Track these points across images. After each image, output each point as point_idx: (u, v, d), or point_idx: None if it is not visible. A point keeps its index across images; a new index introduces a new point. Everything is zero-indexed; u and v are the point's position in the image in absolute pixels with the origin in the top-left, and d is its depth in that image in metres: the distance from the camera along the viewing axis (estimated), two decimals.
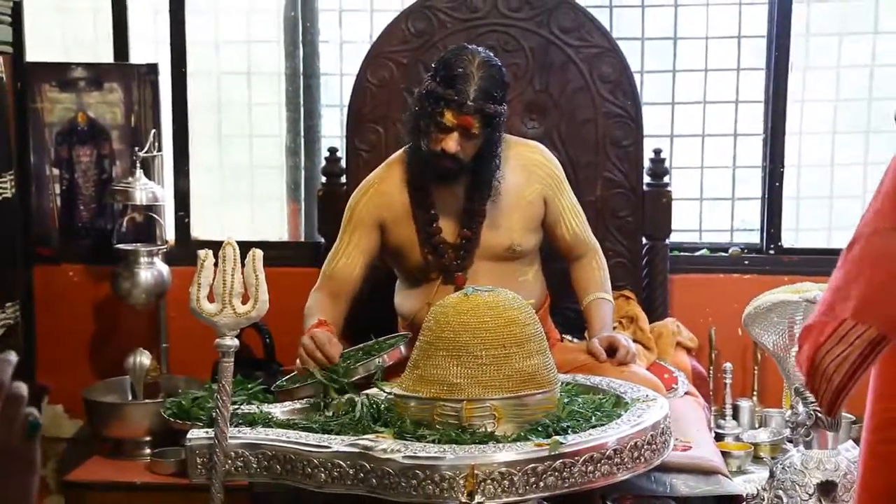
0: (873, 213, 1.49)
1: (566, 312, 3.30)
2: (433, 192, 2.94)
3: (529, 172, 3.01)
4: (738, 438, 3.44)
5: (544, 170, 3.03)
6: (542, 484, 2.11)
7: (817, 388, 1.53)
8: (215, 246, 2.33)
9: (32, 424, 0.94)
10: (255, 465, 2.31)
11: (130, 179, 3.57)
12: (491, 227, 2.95)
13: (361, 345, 2.93)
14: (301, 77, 3.97)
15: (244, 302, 2.31)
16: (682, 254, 3.79)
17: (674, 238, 3.65)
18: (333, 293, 2.98)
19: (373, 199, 3.00)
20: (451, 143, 2.80)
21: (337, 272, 2.99)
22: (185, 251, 3.75)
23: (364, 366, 2.68)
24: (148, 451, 3.35)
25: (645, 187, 3.53)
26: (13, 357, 0.95)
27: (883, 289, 1.44)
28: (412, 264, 3.00)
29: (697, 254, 3.84)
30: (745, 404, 3.58)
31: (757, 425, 3.56)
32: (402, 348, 2.73)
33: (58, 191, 3.84)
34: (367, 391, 2.60)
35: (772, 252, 3.80)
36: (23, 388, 0.94)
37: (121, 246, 3.62)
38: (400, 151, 3.05)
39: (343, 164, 3.61)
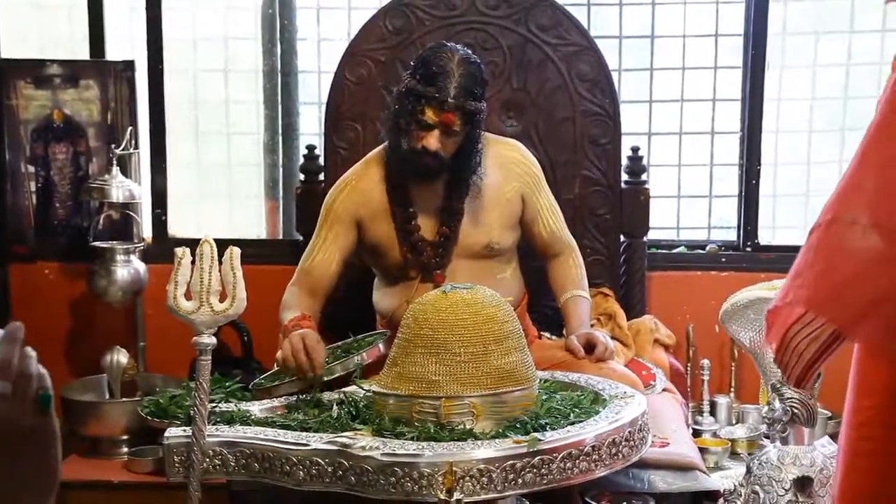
0: (834, 200, 1.49)
1: (544, 310, 3.31)
2: (412, 189, 2.94)
3: (507, 170, 3.01)
4: (715, 435, 3.46)
5: (522, 168, 3.04)
6: (520, 481, 2.12)
7: (787, 363, 1.55)
8: (193, 244, 2.32)
9: (44, 397, 0.94)
10: (233, 464, 2.30)
11: (107, 177, 3.55)
12: (470, 224, 2.95)
13: (340, 342, 2.93)
14: (279, 74, 3.96)
15: (222, 300, 2.31)
16: (659, 251, 3.80)
17: (651, 235, 3.66)
18: (310, 288, 2.97)
19: (350, 196, 2.99)
20: (433, 141, 2.80)
21: (314, 268, 2.98)
22: (162, 249, 3.73)
23: (343, 364, 2.68)
24: (125, 449, 3.34)
25: (623, 185, 3.53)
26: (20, 333, 0.95)
27: (840, 287, 1.45)
28: (390, 262, 2.99)
29: (675, 251, 3.85)
30: (722, 401, 3.60)
31: (734, 421, 3.58)
32: (381, 346, 2.73)
33: (33, 188, 3.81)
34: (346, 389, 2.60)
35: (748, 249, 3.82)
36: (32, 364, 0.94)
37: (97, 244, 3.60)
38: (378, 149, 3.05)
39: (321, 161, 3.60)
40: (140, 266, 3.61)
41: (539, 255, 3.13)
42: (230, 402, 2.57)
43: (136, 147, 3.74)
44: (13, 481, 0.92)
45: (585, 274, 3.12)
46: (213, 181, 4.04)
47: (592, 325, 3.16)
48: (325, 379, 2.64)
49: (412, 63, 2.92)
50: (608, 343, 2.87)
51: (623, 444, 2.27)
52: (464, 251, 2.96)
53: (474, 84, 2.82)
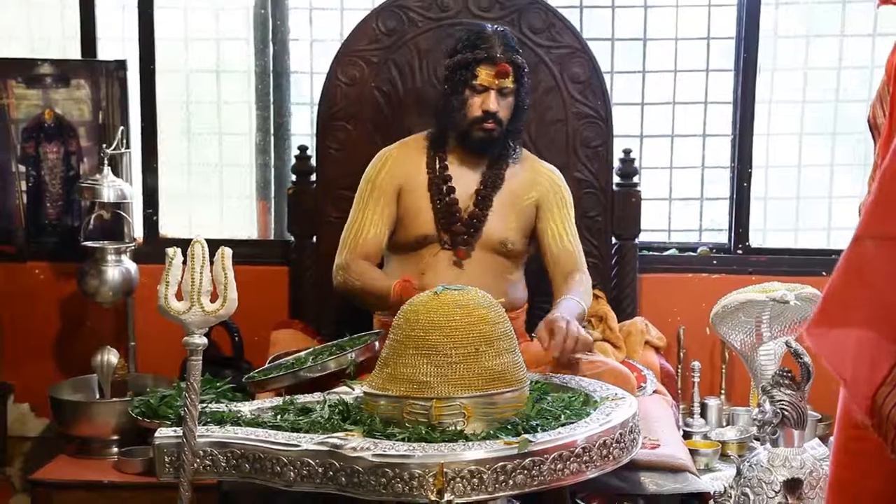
0: (863, 217, 1.47)
1: (537, 311, 3.31)
2: (450, 169, 3.05)
3: (534, 181, 3.11)
4: (705, 436, 3.46)
5: (549, 183, 3.13)
6: (511, 482, 2.12)
7: (885, 433, 1.44)
8: (184, 244, 2.32)
9: None
10: (223, 464, 2.29)
11: (98, 176, 3.54)
12: (493, 218, 3.03)
13: (334, 341, 2.93)
14: (271, 75, 3.95)
15: (213, 300, 2.30)
16: (650, 253, 3.81)
17: (643, 238, 3.67)
18: (368, 259, 3.05)
19: (392, 167, 3.09)
20: (491, 102, 2.93)
21: (368, 243, 3.06)
22: (153, 249, 3.73)
23: (336, 360, 2.68)
24: (115, 449, 3.33)
25: (614, 187, 3.54)
26: None
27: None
28: (416, 230, 3.04)
29: (666, 253, 3.86)
30: (712, 402, 3.60)
31: (724, 423, 3.59)
32: (376, 344, 2.74)
33: (24, 188, 3.80)
34: (337, 389, 2.60)
35: (739, 252, 3.82)
36: None
37: (88, 243, 3.59)
38: (418, 134, 3.18)
39: (313, 162, 3.60)
40: (131, 266, 3.60)
41: (549, 273, 3.10)
42: (221, 402, 2.56)
43: (128, 147, 3.73)
44: None
45: (590, 294, 3.06)
46: (204, 181, 4.03)
47: (584, 327, 3.17)
48: (318, 375, 2.65)
49: (449, 50, 3.08)
50: (572, 328, 2.68)
51: (614, 445, 2.27)
52: (483, 242, 3.03)
53: (514, 42, 3.01)
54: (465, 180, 3.06)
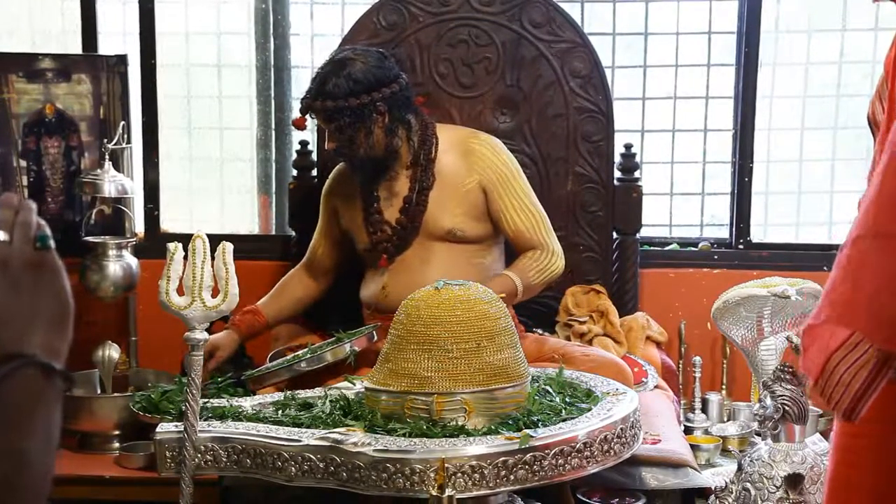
0: (860, 217, 1.47)
1: (533, 305, 3.31)
2: (380, 179, 3.05)
3: (470, 163, 3.07)
4: (706, 432, 3.46)
5: (486, 162, 3.07)
6: (512, 477, 2.12)
7: (831, 395, 1.45)
8: (185, 239, 2.32)
9: (42, 237, 1.01)
10: (224, 459, 2.30)
11: (99, 171, 3.54)
12: (435, 209, 3.03)
13: (329, 339, 2.93)
14: (272, 70, 3.95)
15: (214, 295, 2.31)
16: (652, 248, 3.80)
17: (644, 232, 3.66)
18: (309, 270, 3.20)
19: (330, 183, 3.21)
20: (326, 143, 3.00)
21: (312, 253, 3.22)
22: (154, 244, 3.72)
23: (333, 352, 2.69)
24: (117, 444, 3.33)
25: (615, 182, 3.54)
26: (16, 198, 1.02)
27: (871, 302, 1.42)
28: (359, 246, 3.12)
29: (667, 248, 3.85)
30: (713, 398, 3.60)
31: (725, 419, 3.59)
32: (374, 334, 2.75)
33: (25, 182, 3.80)
34: (338, 385, 2.60)
35: (741, 247, 3.82)
36: (30, 215, 1.01)
37: (89, 238, 3.59)
38: None
39: (314, 157, 3.60)
40: (132, 261, 3.60)
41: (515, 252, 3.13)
42: (222, 397, 2.57)
43: (129, 142, 3.73)
44: (28, 313, 1.01)
45: (544, 271, 3.05)
46: (205, 176, 4.03)
47: (583, 323, 3.18)
48: (315, 367, 2.65)
49: None
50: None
51: (615, 440, 2.27)
52: (429, 234, 3.04)
53: (328, 83, 2.91)
54: (397, 189, 3.06)
